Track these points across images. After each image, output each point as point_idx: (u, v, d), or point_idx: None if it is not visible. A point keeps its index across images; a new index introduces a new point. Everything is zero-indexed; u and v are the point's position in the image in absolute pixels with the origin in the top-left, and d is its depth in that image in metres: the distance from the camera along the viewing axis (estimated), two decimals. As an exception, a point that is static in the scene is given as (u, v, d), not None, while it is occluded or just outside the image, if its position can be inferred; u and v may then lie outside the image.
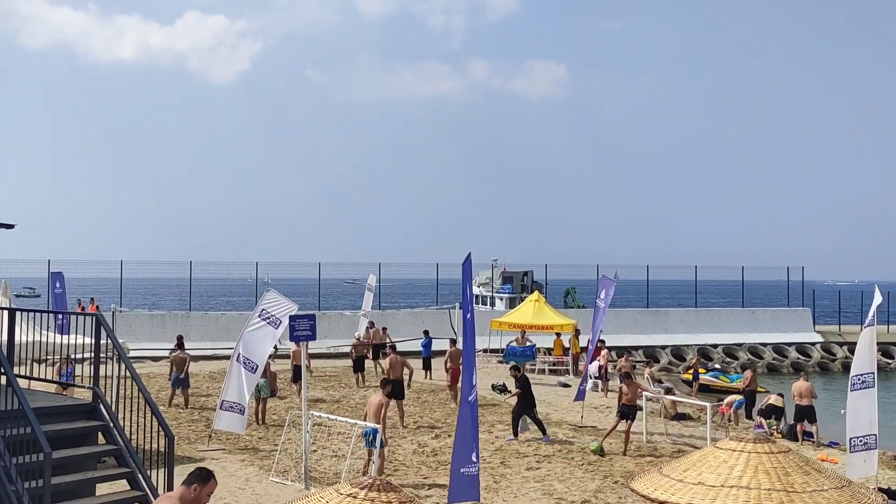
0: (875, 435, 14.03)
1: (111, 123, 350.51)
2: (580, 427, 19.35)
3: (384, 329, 31.09)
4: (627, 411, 17.35)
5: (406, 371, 21.05)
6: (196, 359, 24.91)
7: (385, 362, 22.36)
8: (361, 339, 28.55)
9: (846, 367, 38.58)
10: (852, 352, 41.83)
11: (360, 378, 25.87)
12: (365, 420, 13.90)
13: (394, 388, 19.38)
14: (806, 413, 19.47)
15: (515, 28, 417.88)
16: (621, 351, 32.42)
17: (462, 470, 10.21)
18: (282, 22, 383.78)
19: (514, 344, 28.92)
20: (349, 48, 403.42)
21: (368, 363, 27.26)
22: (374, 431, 13.23)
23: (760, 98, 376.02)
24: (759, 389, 23.78)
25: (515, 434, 17.68)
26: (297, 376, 21.28)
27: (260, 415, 18.89)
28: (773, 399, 20.64)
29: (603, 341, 30.93)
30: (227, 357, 21.33)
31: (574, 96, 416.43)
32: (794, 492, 6.56)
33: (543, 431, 17.76)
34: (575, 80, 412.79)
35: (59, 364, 15.89)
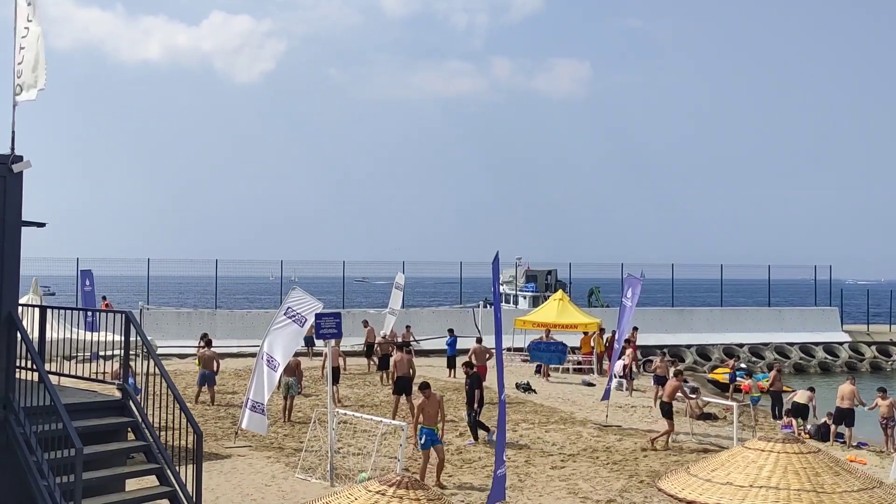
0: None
1: (138, 123, 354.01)
2: (605, 426, 19.29)
3: (408, 327, 31.15)
4: (664, 408, 17.44)
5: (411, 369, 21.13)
6: (221, 356, 25.11)
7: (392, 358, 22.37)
8: (387, 338, 28.61)
9: (875, 368, 38.23)
10: (881, 352, 41.83)
11: (385, 376, 25.94)
12: (419, 422, 13.75)
13: (401, 385, 19.48)
14: (845, 416, 19.29)
15: (538, 26, 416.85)
16: (646, 350, 32.26)
17: (498, 471, 10.24)
18: (306, 22, 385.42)
19: (539, 339, 28.81)
20: (372, 48, 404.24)
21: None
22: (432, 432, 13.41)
23: (785, 95, 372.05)
24: (784, 389, 23.60)
25: (476, 437, 17.24)
26: (335, 377, 21.36)
27: (287, 412, 19.02)
28: (799, 396, 20.44)
29: (629, 341, 30.97)
30: (252, 355, 21.54)
31: (597, 94, 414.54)
32: (823, 492, 6.51)
33: (475, 435, 17.17)
34: (598, 79, 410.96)
35: (115, 367, 15.58)
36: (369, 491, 5.30)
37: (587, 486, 13.88)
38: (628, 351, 25.55)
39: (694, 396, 20.32)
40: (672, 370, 23.18)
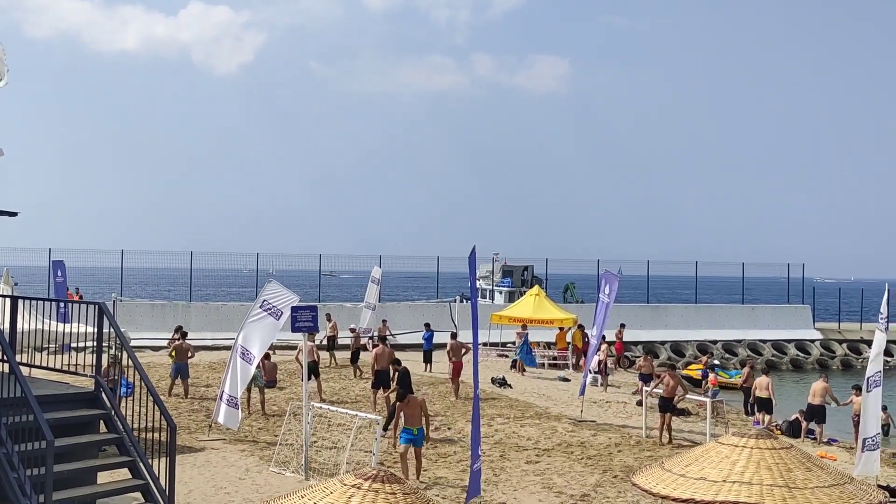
0: (879, 434, 14.13)
1: (115, 113, 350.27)
2: (580, 421, 19.38)
3: (384, 321, 31.11)
4: (663, 404, 17.58)
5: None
6: (196, 349, 24.94)
7: (370, 353, 22.35)
8: (357, 332, 28.56)
9: (845, 365, 38.71)
10: (852, 349, 42.35)
11: (357, 370, 25.91)
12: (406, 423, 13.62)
13: (380, 378, 19.44)
14: (816, 412, 19.54)
15: (520, 23, 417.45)
16: (627, 346, 32.42)
17: (474, 466, 10.23)
18: (286, 14, 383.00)
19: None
20: (353, 41, 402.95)
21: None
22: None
23: (764, 96, 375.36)
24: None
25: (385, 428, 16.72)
26: (314, 372, 21.28)
27: (259, 405, 18.93)
28: (759, 391, 20.63)
29: (618, 337, 31.22)
30: (228, 348, 21.40)
31: (578, 92, 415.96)
32: (795, 487, 6.57)
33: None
34: (579, 76, 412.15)
35: (107, 370, 14.91)
36: (345, 485, 5.28)
37: (562, 481, 13.94)
38: (603, 346, 25.68)
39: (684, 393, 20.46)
40: (655, 366, 23.37)
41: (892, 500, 12.12)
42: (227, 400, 15.50)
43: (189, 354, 21.24)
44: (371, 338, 28.52)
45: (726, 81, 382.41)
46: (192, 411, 19.07)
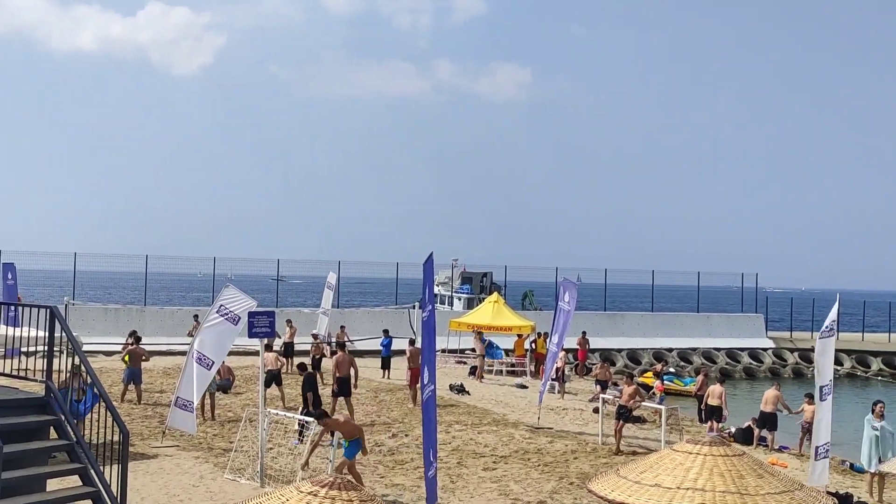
0: (829, 442, 14.39)
1: (69, 113, 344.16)
2: (537, 428, 19.47)
3: (342, 327, 30.97)
4: (622, 412, 17.70)
5: (353, 369, 21.02)
6: (150, 354, 24.57)
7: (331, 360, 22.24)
8: (318, 339, 28.40)
9: (797, 374, 39.44)
10: (803, 358, 43.12)
11: (319, 377, 25.72)
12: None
13: (341, 385, 19.35)
14: (768, 420, 19.86)
15: (481, 30, 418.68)
16: (574, 352, 32.68)
17: (428, 473, 10.21)
18: (246, 16, 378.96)
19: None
20: (315, 45, 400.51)
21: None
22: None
23: (722, 105, 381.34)
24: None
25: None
26: (277, 380, 21.11)
27: (210, 410, 18.71)
28: (711, 398, 20.90)
29: (580, 344, 31.50)
30: (182, 353, 21.14)
31: (538, 100, 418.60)
32: (747, 494, 6.68)
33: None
34: (539, 84, 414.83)
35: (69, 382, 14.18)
36: (301, 492, 5.24)
37: (518, 488, 13.99)
38: (561, 354, 25.84)
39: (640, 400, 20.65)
40: (612, 374, 23.56)
41: (840, 506, 12.37)
42: (184, 405, 15.30)
43: (143, 359, 20.94)
44: (329, 344, 28.35)
45: (684, 90, 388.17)
46: (146, 417, 18.77)
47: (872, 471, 15.20)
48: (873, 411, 15.82)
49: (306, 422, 15.27)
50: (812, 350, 42.34)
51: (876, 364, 40.88)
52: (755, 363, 39.84)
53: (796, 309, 45.73)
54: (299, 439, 16.28)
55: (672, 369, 34.23)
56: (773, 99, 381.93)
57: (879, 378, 39.20)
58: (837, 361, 39.97)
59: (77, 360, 10.29)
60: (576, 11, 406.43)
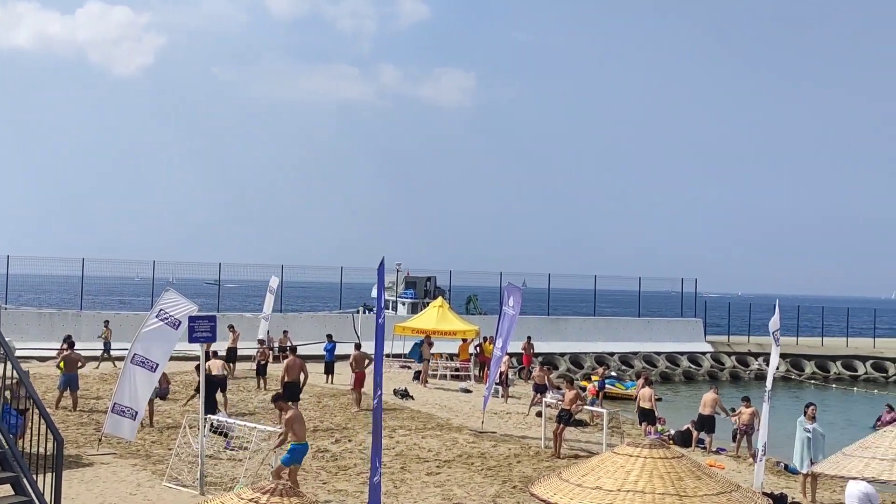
0: (766, 443, 14.81)
1: (4, 112, 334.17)
2: (481, 433, 19.53)
3: (285, 332, 30.69)
4: (564, 415, 17.81)
5: (303, 374, 20.85)
6: (87, 359, 24.01)
7: (280, 364, 22.04)
8: (264, 344, 28.09)
9: (734, 377, 40.31)
10: (740, 361, 44.08)
11: (262, 382, 25.46)
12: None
13: (290, 390, 19.18)
14: (706, 422, 20.22)
15: (425, 35, 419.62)
16: (519, 357, 32.91)
17: (373, 479, 10.15)
18: (188, 16, 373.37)
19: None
20: (258, 47, 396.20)
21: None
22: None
23: (665, 112, 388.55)
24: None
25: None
26: (222, 386, 20.75)
27: (147, 417, 18.33)
28: (643, 402, 21.24)
29: (525, 349, 31.70)
30: (120, 358, 20.68)
31: (483, 105, 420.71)
32: (686, 496, 6.80)
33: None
34: (484, 89, 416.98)
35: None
36: (242, 499, 5.17)
37: (461, 492, 14.01)
38: (505, 358, 25.99)
39: (582, 404, 20.86)
40: (551, 378, 23.73)
41: (775, 506, 12.67)
42: (122, 411, 14.96)
43: (79, 365, 20.44)
44: (271, 349, 28.04)
45: (628, 96, 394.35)
46: (81, 424, 18.32)
47: (805, 471, 15.60)
48: (805, 413, 16.24)
49: (251, 427, 15.07)
50: (748, 354, 43.58)
51: (809, 368, 41.99)
52: (694, 367, 40.59)
53: (733, 313, 46.74)
54: (230, 445, 16.11)
55: (613, 373, 34.67)
56: (719, 106, 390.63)
57: (812, 381, 40.28)
58: (744, 363, 41.15)
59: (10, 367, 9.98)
60: (519, 18, 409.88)
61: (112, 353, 28.23)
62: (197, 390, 16.95)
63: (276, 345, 28.61)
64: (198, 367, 17.53)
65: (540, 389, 23.20)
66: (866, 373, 42.08)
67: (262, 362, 26.18)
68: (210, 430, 15.31)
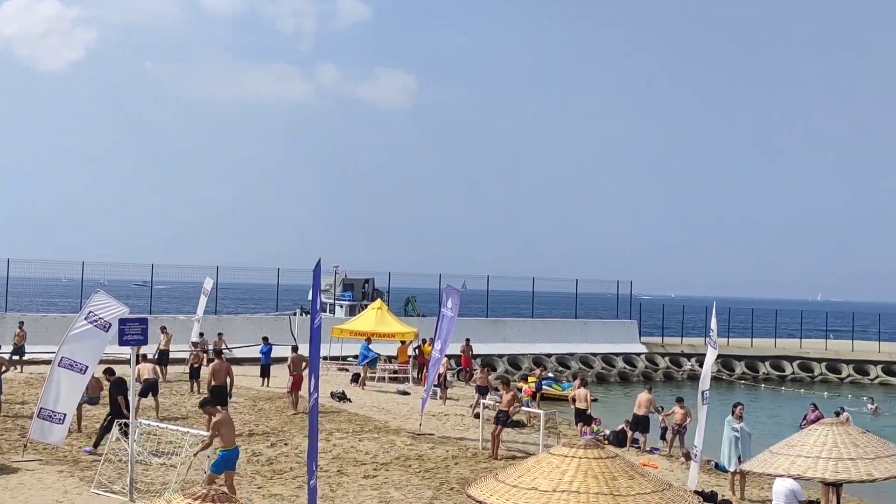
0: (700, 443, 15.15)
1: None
2: (419, 435, 19.50)
3: (220, 335, 30.20)
4: (502, 417, 17.85)
5: (229, 378, 20.60)
6: (11, 363, 23.27)
7: (207, 368, 21.72)
8: (197, 347, 27.62)
9: (667, 377, 41.11)
10: (673, 362, 44.95)
11: (196, 386, 25.02)
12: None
13: (217, 394, 18.90)
14: (640, 422, 20.55)
15: (366, 36, 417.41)
16: (458, 359, 33.01)
17: (310, 482, 10.04)
18: (119, 11, 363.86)
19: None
20: (194, 44, 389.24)
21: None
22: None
23: (603, 114, 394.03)
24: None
25: (95, 445, 16.15)
26: (153, 390, 20.30)
27: (75, 422, 17.84)
28: (578, 403, 21.51)
29: (464, 351, 31.76)
30: (47, 362, 20.06)
31: (424, 106, 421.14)
32: (619, 495, 6.89)
33: (97, 443, 16.21)
34: (424, 91, 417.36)
35: None
36: (172, 505, 5.06)
37: (399, 495, 13.97)
38: (443, 360, 26.03)
39: (519, 406, 20.97)
40: (492, 379, 23.84)
41: (706, 504, 12.94)
42: (48, 416, 14.53)
43: (2, 369, 19.78)
44: (205, 351, 27.59)
45: (568, 98, 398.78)
46: (5, 430, 17.73)
47: (732, 470, 15.99)
48: (733, 413, 16.66)
49: (183, 432, 14.77)
50: (682, 354, 44.48)
51: (740, 368, 43.06)
52: (629, 367, 41.27)
53: (667, 315, 47.66)
54: (93, 448, 15.89)
55: (550, 374, 35.02)
56: (655, 110, 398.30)
57: (742, 381, 41.32)
58: (728, 367, 42.11)
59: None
60: (460, 20, 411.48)
61: (29, 356, 27.38)
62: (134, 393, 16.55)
63: (211, 347, 28.13)
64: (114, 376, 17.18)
65: (482, 391, 23.29)
66: (793, 373, 43.34)
67: (196, 365, 25.74)
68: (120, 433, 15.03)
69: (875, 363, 43.83)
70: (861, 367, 43.74)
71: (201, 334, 30.24)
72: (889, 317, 53.61)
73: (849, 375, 43.20)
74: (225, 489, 9.63)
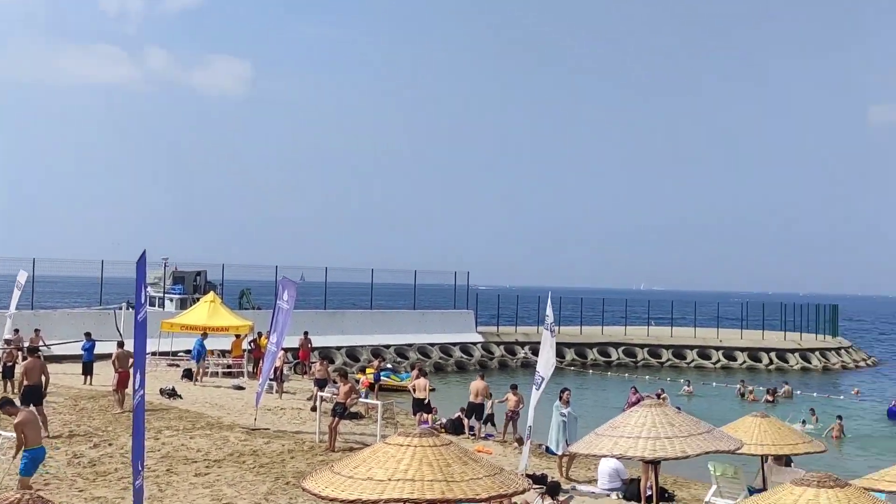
0: (531, 427, 15.68)
1: None
2: (253, 430, 19.07)
3: (37, 331, 28.35)
4: (339, 409, 17.65)
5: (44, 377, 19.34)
6: None
7: (20, 366, 20.29)
8: (10, 343, 25.74)
9: (502, 365, 42.33)
10: (508, 351, 46.31)
11: (10, 385, 23.31)
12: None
13: (30, 394, 17.68)
14: (475, 410, 21.02)
15: (197, 20, 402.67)
16: (295, 352, 32.60)
17: (135, 483, 9.56)
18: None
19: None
20: (5, 23, 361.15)
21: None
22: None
23: (444, 108, 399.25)
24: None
25: None
26: None
27: None
28: (418, 393, 21.83)
29: (302, 344, 31.26)
30: None
31: (258, 95, 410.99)
32: (453, 481, 7.01)
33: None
34: (261, 79, 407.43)
35: None
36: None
37: (232, 492, 13.59)
38: (280, 353, 25.60)
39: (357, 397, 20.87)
40: (331, 371, 23.67)
41: (536, 486, 13.41)
42: None
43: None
44: (20, 349, 25.77)
45: (410, 90, 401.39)
46: None
47: (561, 453, 16.69)
48: (560, 398, 17.39)
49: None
50: (516, 343, 45.92)
51: (570, 355, 44.96)
52: (466, 357, 42.17)
53: (502, 305, 49.00)
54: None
55: (389, 365, 35.22)
56: (494, 106, 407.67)
57: (572, 368, 43.16)
58: (537, 353, 43.58)
59: None
60: (297, 7, 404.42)
61: None
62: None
63: (27, 344, 26.28)
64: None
65: (320, 384, 23.09)
66: (619, 358, 45.75)
67: (9, 363, 24.01)
68: None
69: (691, 347, 47.00)
70: (679, 351, 46.79)
71: (16, 331, 28.25)
72: (704, 304, 57.52)
73: (668, 360, 46.08)
74: (41, 494, 9.02)
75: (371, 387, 26.13)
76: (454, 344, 42.61)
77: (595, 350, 46.12)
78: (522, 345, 44.30)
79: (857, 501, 6.26)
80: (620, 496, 14.89)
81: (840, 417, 26.18)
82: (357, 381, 25.88)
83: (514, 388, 20.88)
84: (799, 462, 15.51)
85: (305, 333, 31.89)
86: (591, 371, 42.81)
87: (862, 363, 50.75)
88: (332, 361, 34.64)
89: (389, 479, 7.00)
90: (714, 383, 38.53)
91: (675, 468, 16.51)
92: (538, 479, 14.79)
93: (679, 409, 11.84)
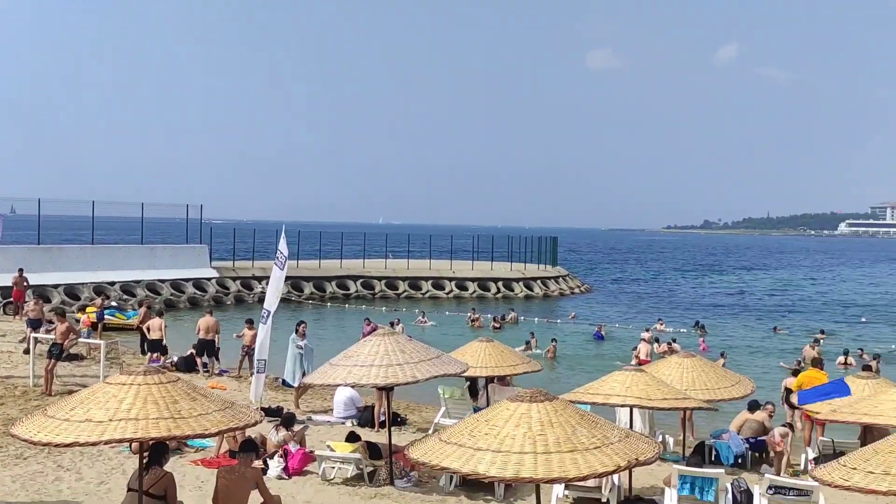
0: (265, 360, 15.59)
1: None
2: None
3: None
4: (55, 350, 16.50)
5: None
6: None
7: None
8: None
9: (238, 300, 41.49)
10: (245, 286, 45.45)
11: None
12: None
13: None
14: (206, 346, 20.47)
15: None
16: (8, 290, 29.80)
17: None
18: None
19: None
20: None
21: None
22: None
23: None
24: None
25: None
26: None
27: None
28: (153, 333, 20.93)
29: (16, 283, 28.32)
30: None
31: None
32: (181, 418, 6.82)
33: None
34: None
35: None
36: None
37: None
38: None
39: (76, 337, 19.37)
40: (46, 311, 21.95)
41: (270, 419, 13.40)
42: None
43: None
44: None
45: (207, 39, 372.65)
46: None
47: (297, 385, 16.81)
48: (297, 331, 17.44)
49: None
50: (252, 278, 45.23)
51: (308, 288, 45.02)
52: (199, 293, 40.77)
53: (239, 239, 47.77)
54: None
55: (114, 303, 33.20)
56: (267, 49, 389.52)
57: (311, 301, 43.29)
58: (416, 286, 43.28)
59: None
60: None
61: None
62: None
63: None
64: None
65: (34, 324, 21.25)
66: (357, 291, 46.53)
67: None
68: None
69: (426, 279, 48.88)
70: (415, 283, 48.48)
71: None
72: (439, 238, 59.86)
73: (405, 291, 47.63)
74: None
75: (94, 326, 24.46)
76: (187, 280, 40.99)
77: (334, 283, 46.52)
78: (259, 279, 43.62)
79: (563, 412, 6.92)
80: (355, 423, 15.30)
81: (554, 340, 28.61)
82: (77, 321, 24.16)
83: (249, 322, 20.55)
84: (519, 381, 16.79)
85: (21, 271, 29.14)
86: (329, 304, 43.21)
87: (577, 290, 55.71)
88: (48, 301, 32.01)
89: (110, 420, 6.68)
90: (447, 312, 40.46)
91: (407, 393, 17.24)
92: (273, 412, 14.78)
93: (410, 337, 12.33)
